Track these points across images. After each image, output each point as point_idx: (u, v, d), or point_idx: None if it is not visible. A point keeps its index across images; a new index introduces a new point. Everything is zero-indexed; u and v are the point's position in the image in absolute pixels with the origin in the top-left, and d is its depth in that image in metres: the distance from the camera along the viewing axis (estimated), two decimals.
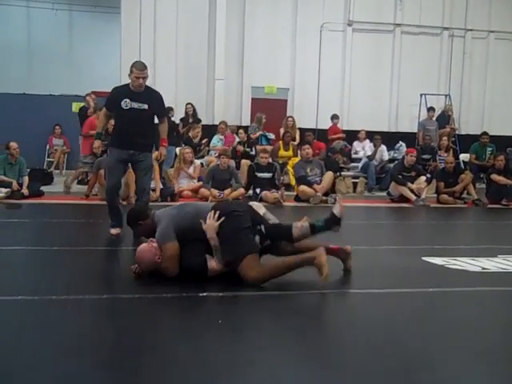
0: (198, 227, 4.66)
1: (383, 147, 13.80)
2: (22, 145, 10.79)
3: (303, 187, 10.79)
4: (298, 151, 13.22)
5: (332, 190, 11.13)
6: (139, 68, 6.35)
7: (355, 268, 5.40)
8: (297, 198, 10.96)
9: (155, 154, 7.04)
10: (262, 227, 4.85)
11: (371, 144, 13.89)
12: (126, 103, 6.41)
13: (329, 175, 11.06)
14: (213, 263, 4.60)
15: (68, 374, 2.88)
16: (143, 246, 4.75)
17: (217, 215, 4.64)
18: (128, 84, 6.54)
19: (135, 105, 6.43)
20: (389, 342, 3.48)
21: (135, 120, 6.44)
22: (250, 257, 4.53)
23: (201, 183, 10.98)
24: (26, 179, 10.49)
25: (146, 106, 6.47)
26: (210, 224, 4.62)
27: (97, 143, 6.95)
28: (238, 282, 4.57)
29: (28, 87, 16.03)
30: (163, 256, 4.62)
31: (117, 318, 3.90)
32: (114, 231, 6.63)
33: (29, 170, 11.05)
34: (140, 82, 6.36)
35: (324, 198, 10.67)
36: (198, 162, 11.58)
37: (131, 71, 6.38)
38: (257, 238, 4.75)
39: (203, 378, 2.90)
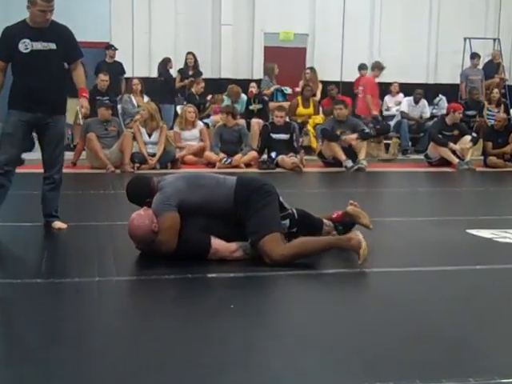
0: (210, 206, 4.69)
1: (424, 102, 13.66)
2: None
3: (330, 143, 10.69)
4: (320, 108, 13.18)
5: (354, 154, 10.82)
6: None
7: (390, 243, 5.41)
8: (320, 156, 10.98)
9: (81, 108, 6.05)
10: (295, 211, 4.95)
11: (410, 98, 13.70)
12: (25, 45, 5.54)
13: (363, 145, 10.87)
14: (217, 241, 4.59)
15: (62, 361, 2.92)
16: (136, 213, 4.73)
17: None
18: (24, 20, 5.63)
19: (39, 45, 5.56)
20: (430, 328, 3.48)
21: (41, 67, 5.58)
22: (273, 234, 4.56)
23: (202, 143, 10.96)
24: None
25: (53, 46, 5.62)
26: None
27: None
28: (251, 261, 4.59)
29: None
30: (159, 228, 4.61)
31: (112, 303, 3.93)
32: None
33: None
34: (47, 16, 5.54)
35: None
36: (201, 123, 11.46)
37: (33, 3, 5.44)
38: (286, 221, 4.84)
39: (214, 367, 2.92)
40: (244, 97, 13.15)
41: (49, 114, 5.69)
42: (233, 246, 4.65)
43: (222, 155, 10.42)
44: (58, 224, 5.84)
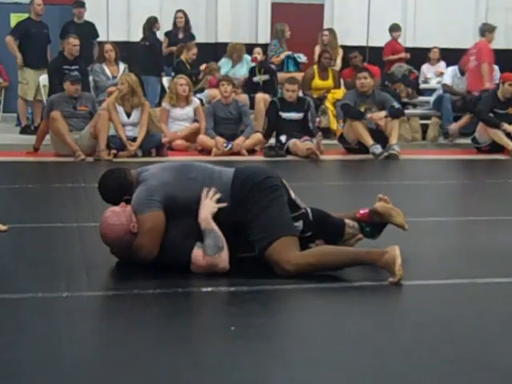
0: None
1: None
2: None
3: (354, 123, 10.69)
4: (341, 80, 13.16)
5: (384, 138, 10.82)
6: None
7: (427, 249, 5.41)
8: (341, 140, 10.99)
9: None
10: (309, 211, 4.96)
11: (454, 68, 13.64)
12: None
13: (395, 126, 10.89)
14: (199, 254, 4.57)
15: None
16: (111, 209, 4.74)
17: (214, 195, 4.68)
18: None
19: None
20: (476, 353, 3.48)
21: None
22: (284, 239, 4.56)
23: (196, 124, 10.98)
24: None
25: None
26: (206, 205, 4.65)
27: None
28: (257, 272, 4.60)
29: None
30: (139, 229, 4.62)
31: (83, 324, 3.94)
32: None
33: None
34: None
35: None
36: (196, 100, 11.43)
37: None
38: (300, 223, 4.85)
39: None
40: (248, 58, 13.12)
41: None
42: (212, 260, 4.55)
43: (220, 140, 10.41)
44: None
